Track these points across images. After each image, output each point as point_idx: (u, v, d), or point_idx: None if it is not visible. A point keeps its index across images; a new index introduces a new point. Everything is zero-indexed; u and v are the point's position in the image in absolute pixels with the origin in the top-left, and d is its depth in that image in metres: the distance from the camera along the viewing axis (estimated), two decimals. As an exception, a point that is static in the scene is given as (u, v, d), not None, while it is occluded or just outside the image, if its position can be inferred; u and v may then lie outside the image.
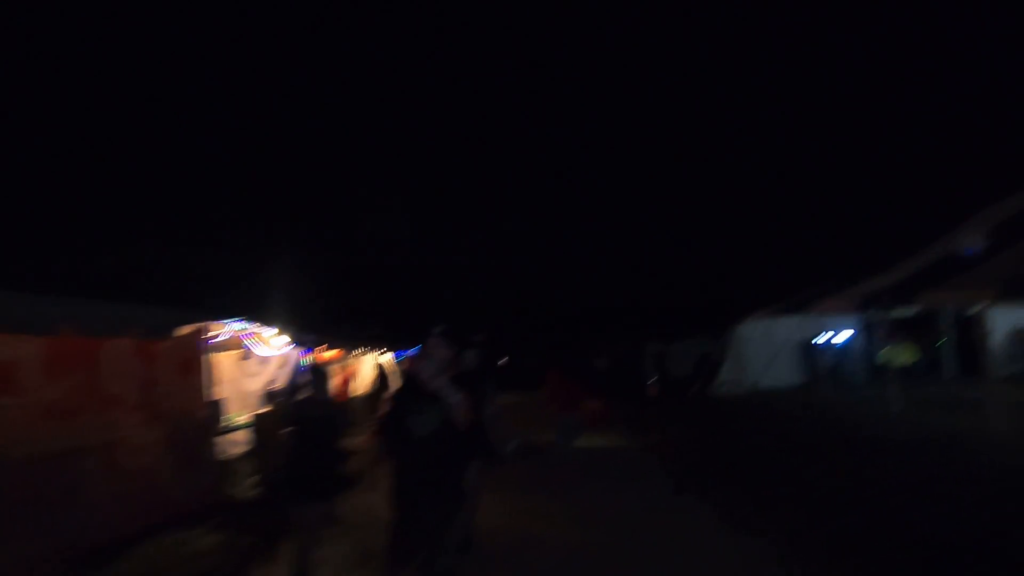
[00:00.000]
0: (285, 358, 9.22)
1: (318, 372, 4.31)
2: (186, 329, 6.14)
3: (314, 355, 13.01)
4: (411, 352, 19.93)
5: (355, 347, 14.59)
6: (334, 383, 12.58)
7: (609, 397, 14.76)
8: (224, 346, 7.19)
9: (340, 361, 14.18)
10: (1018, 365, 16.50)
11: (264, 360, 8.18)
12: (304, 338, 8.71)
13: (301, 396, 4.22)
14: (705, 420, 10.99)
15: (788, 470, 6.61)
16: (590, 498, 6.39)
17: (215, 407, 6.63)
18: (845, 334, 15.92)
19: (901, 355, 14.19)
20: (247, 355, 7.62)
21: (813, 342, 15.68)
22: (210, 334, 6.70)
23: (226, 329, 6.94)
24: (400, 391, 3.41)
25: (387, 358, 18.49)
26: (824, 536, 4.57)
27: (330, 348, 12.94)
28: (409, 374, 3.73)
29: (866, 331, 16.83)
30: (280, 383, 9.20)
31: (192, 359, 6.26)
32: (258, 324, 7.27)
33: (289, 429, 4.05)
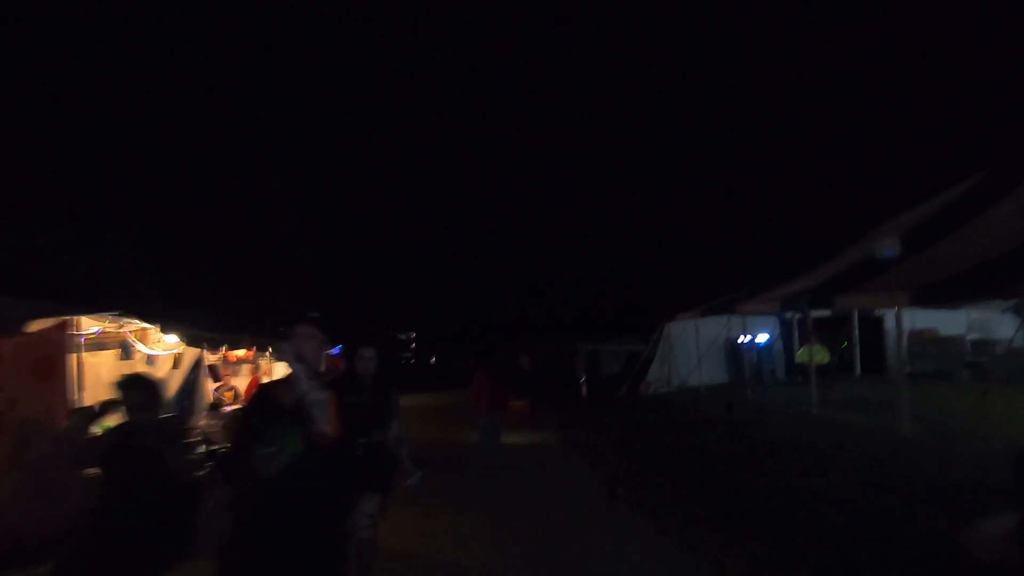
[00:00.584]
0: (179, 357, 8.20)
1: (137, 385, 3.16)
2: (45, 323, 5.15)
3: (220, 354, 11.86)
4: (337, 350, 18.87)
5: (271, 345, 13.48)
6: (230, 388, 11.45)
7: (537, 397, 14.76)
8: (98, 344, 6.18)
9: (252, 361, 13.05)
10: (916, 364, 17.77)
11: (151, 360, 7.18)
12: (202, 335, 7.72)
13: (109, 420, 3.12)
14: (635, 420, 10.85)
15: (720, 475, 6.43)
16: (514, 511, 5.92)
17: (82, 416, 5.63)
18: (766, 335, 16.45)
19: (816, 355, 14.77)
20: (128, 354, 6.61)
21: (738, 342, 16.07)
22: (79, 330, 5.71)
23: (101, 323, 5.96)
24: (249, 410, 2.55)
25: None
26: (763, 549, 4.34)
27: (238, 346, 11.83)
28: (263, 386, 2.73)
29: (786, 331, 17.54)
30: (173, 386, 8.20)
31: (52, 359, 5.27)
32: (143, 317, 6.30)
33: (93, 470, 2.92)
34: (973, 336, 16.66)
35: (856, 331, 17.13)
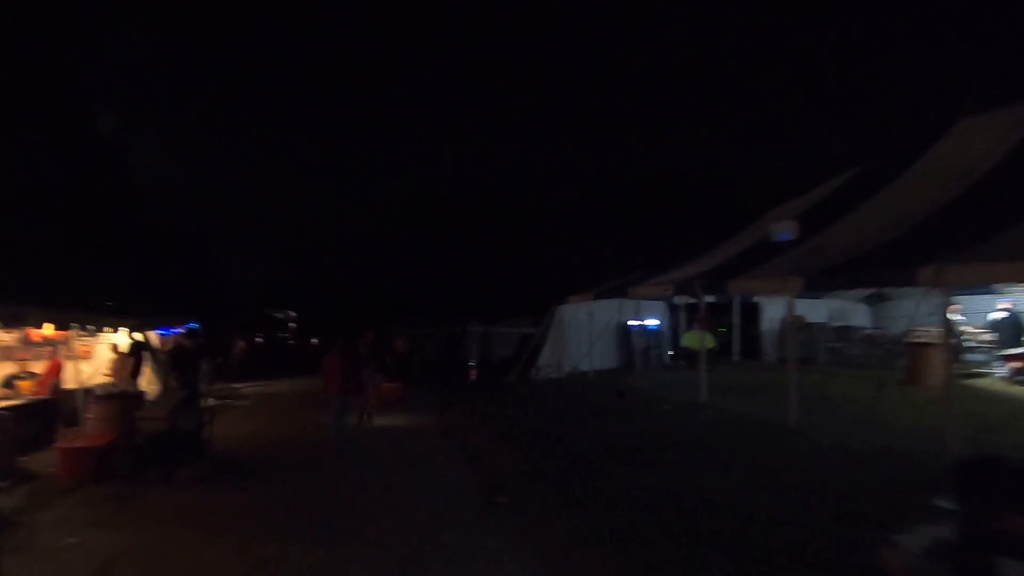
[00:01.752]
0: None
1: None
2: None
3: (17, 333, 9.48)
4: (177, 330, 16.35)
5: (90, 322, 10.98)
6: (39, 372, 9.23)
7: (413, 379, 13.74)
8: None
9: (62, 342, 10.65)
10: (785, 350, 18.86)
11: None
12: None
13: None
14: (521, 408, 10.05)
15: (611, 477, 5.69)
16: (359, 535, 4.70)
17: None
18: (656, 319, 16.47)
19: (702, 341, 14.94)
20: None
21: (629, 325, 15.93)
22: None
23: None
24: None
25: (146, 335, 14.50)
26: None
27: (44, 323, 9.49)
28: None
29: (674, 316, 17.75)
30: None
31: None
32: None
33: None
34: (837, 324, 17.88)
35: (737, 317, 17.77)
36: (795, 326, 18.32)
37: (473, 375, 17.19)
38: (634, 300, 13.19)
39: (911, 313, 18.15)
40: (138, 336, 10.52)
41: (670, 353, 17.26)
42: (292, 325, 38.67)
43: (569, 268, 26.75)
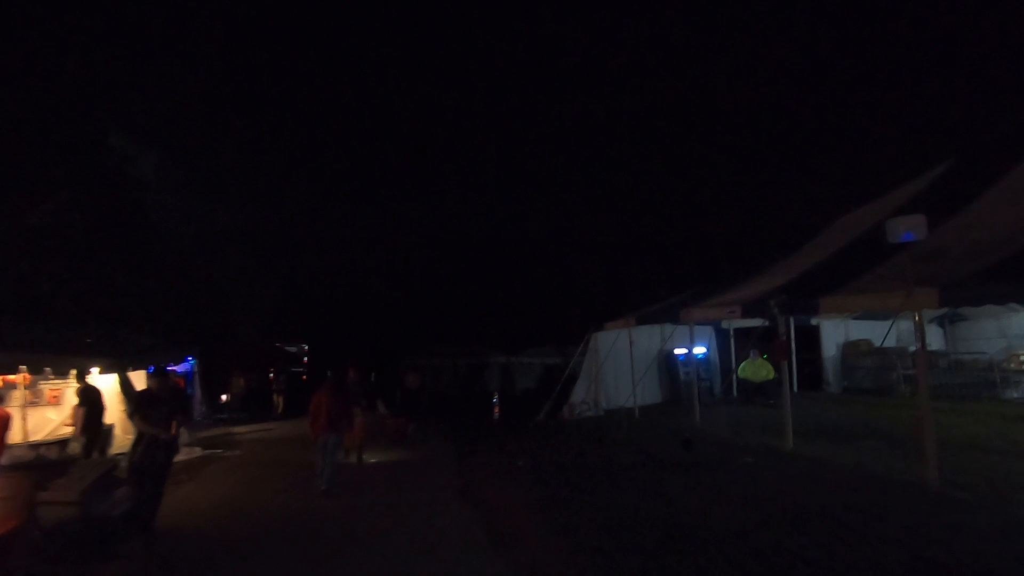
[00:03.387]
0: None
1: None
2: None
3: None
4: (172, 366, 14.79)
5: (51, 363, 9.36)
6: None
7: (421, 416, 12.63)
8: None
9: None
10: (851, 379, 16.66)
11: None
12: None
13: None
14: (558, 459, 8.16)
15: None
16: None
17: None
18: (703, 347, 14.51)
19: (760, 370, 12.97)
20: None
21: (674, 354, 14.00)
22: None
23: None
24: None
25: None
26: None
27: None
28: None
29: (722, 342, 15.75)
30: None
31: None
32: None
33: None
34: (911, 347, 15.71)
35: (792, 342, 15.69)
36: (859, 352, 16.36)
37: (496, 412, 15.32)
38: (684, 325, 11.30)
39: (993, 335, 16.05)
40: (92, 380, 8.84)
41: (720, 385, 15.22)
42: (305, 359, 37.20)
43: (596, 292, 24.84)
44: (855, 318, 15.70)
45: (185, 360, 15.70)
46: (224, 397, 17.99)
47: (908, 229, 5.75)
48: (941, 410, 10.52)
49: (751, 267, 10.90)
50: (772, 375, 12.84)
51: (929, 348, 16.14)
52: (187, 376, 16.02)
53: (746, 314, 8.41)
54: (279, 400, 17.59)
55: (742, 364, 13.24)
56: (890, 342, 16.26)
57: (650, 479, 6.62)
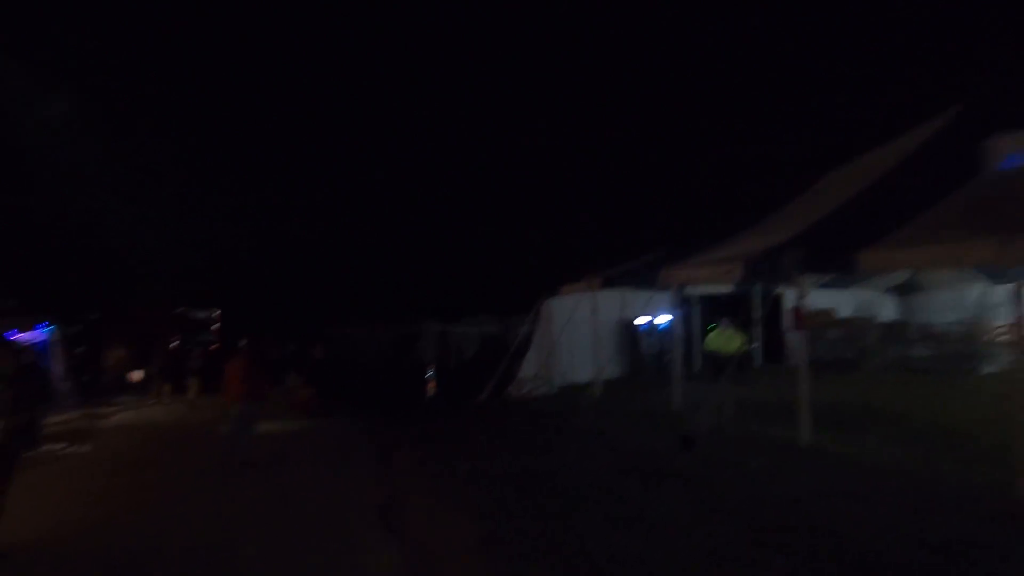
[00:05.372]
0: None
1: None
2: None
3: None
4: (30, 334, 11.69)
5: None
6: None
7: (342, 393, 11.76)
8: None
9: None
10: (812, 352, 15.70)
11: None
12: None
13: None
14: (514, 457, 6.28)
15: None
16: None
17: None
18: (667, 315, 12.97)
19: (732, 341, 11.57)
20: None
21: (635, 324, 12.40)
22: None
23: None
24: None
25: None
26: None
27: None
28: None
29: (685, 311, 14.32)
30: None
31: None
32: None
33: None
34: (888, 318, 14.90)
35: (759, 312, 14.50)
36: (821, 321, 15.43)
37: (432, 388, 13.32)
38: (664, 288, 9.60)
39: (951, 306, 15.44)
40: None
41: (684, 358, 13.83)
42: (215, 327, 33.34)
43: (543, 254, 22.92)
44: (822, 286, 14.71)
45: (37, 327, 12.56)
46: (135, 376, 13.72)
47: (1014, 150, 4.10)
48: (924, 385, 9.50)
49: (734, 224, 9.31)
50: (744, 347, 11.48)
51: (886, 320, 15.56)
52: (41, 347, 12.88)
53: (748, 274, 6.72)
54: (194, 383, 12.80)
55: (709, 335, 11.79)
56: (846, 312, 15.53)
57: (638, 496, 4.83)
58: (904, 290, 16.05)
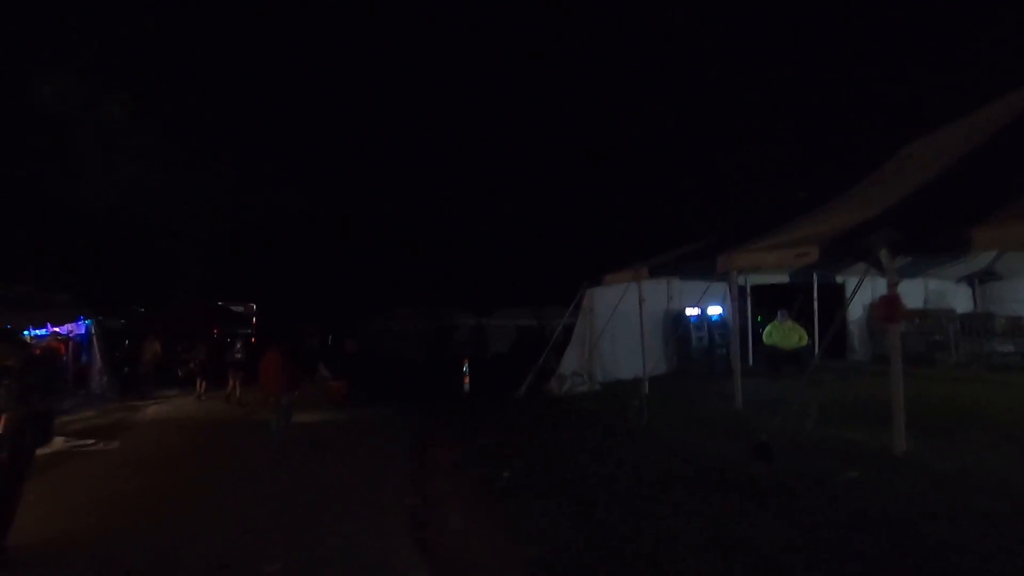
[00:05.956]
0: None
1: None
2: None
3: None
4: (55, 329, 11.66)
5: None
6: None
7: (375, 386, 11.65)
8: None
9: None
10: (877, 346, 14.52)
11: None
12: None
13: None
14: (563, 463, 5.68)
15: None
16: None
17: None
18: (718, 307, 12.11)
19: (791, 335, 10.67)
20: None
21: (685, 315, 11.58)
22: None
23: None
24: None
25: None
26: None
27: None
28: None
29: (742, 302, 13.40)
30: None
31: None
32: None
33: None
34: (962, 309, 13.60)
35: (815, 302, 13.44)
36: (899, 314, 14.26)
37: (466, 384, 12.79)
38: (722, 278, 8.77)
39: (1034, 294, 13.95)
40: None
41: (739, 352, 12.93)
42: (254, 320, 33.63)
43: (582, 244, 22.15)
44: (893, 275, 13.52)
45: (76, 321, 12.56)
46: (181, 370, 13.70)
47: None
48: (1018, 385, 8.44)
49: (790, 208, 8.41)
50: (805, 341, 10.57)
51: (961, 311, 14.24)
52: (81, 341, 12.89)
53: (827, 258, 5.88)
54: (235, 381, 11.61)
55: (767, 328, 10.90)
56: (915, 303, 14.27)
57: (717, 517, 4.13)
58: (982, 279, 14.71)
